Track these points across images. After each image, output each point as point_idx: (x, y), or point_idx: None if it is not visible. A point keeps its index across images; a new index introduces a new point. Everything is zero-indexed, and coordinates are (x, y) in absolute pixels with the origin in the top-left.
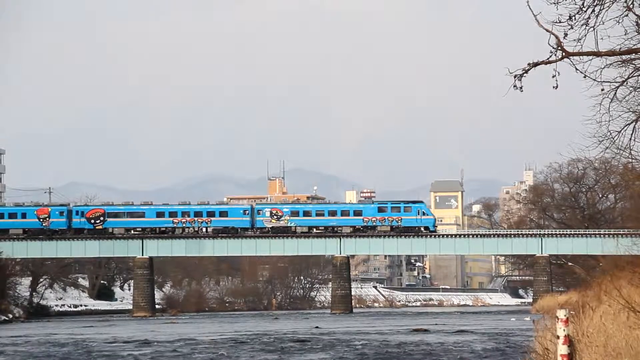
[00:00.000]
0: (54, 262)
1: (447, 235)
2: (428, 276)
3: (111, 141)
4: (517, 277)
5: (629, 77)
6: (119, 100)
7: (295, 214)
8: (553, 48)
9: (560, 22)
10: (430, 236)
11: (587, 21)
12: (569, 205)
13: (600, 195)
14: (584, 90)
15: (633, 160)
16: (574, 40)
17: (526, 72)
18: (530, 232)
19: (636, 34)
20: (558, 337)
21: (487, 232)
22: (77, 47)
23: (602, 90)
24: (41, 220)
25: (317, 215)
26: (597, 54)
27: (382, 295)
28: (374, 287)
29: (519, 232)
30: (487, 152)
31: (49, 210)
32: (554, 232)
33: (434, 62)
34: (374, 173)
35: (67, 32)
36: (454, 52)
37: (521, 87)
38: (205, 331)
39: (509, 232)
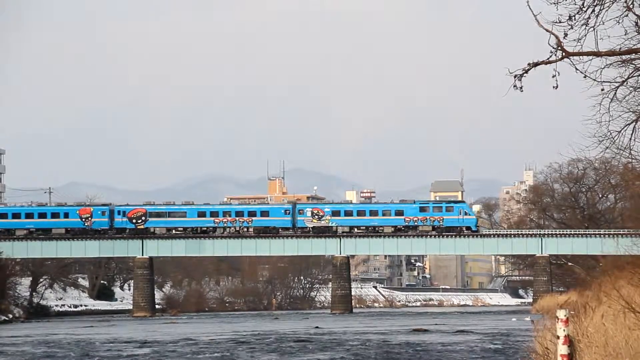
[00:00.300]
0: (54, 262)
1: (447, 235)
2: (428, 276)
3: (111, 141)
4: (517, 277)
5: (629, 77)
6: (119, 100)
7: (336, 213)
8: (553, 48)
9: (560, 22)
10: (430, 236)
11: (587, 21)
12: (569, 205)
13: (600, 195)
14: (584, 90)
15: (633, 160)
16: (574, 40)
17: (526, 72)
18: (530, 232)
19: (636, 34)
20: (558, 337)
21: (487, 232)
22: (77, 47)
23: (602, 90)
24: (83, 220)
25: (358, 215)
26: (597, 54)
27: (382, 295)
28: (374, 287)
29: (519, 232)
30: (487, 152)
31: (91, 210)
32: (554, 232)
33: (434, 62)
34: (374, 173)
35: (67, 32)
36: (454, 52)
37: (521, 87)
38: (205, 331)
39: (509, 232)
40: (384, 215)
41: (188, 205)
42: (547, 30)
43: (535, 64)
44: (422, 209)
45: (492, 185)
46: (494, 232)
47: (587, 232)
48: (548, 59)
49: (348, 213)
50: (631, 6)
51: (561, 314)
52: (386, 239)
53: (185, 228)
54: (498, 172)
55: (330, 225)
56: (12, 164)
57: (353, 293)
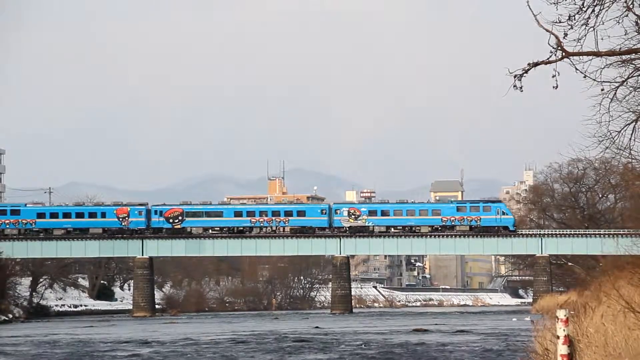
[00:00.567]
0: (54, 262)
1: (447, 235)
2: (428, 276)
3: (111, 141)
4: (517, 277)
5: (629, 77)
6: (119, 100)
7: (373, 213)
8: (553, 48)
9: (560, 22)
10: (430, 236)
11: (587, 21)
12: (569, 205)
13: (600, 195)
14: (584, 90)
15: (633, 160)
16: (574, 40)
17: (526, 72)
18: (530, 232)
19: (636, 34)
20: (558, 337)
21: (487, 232)
22: (77, 47)
23: (602, 90)
24: (120, 219)
25: (394, 214)
26: (597, 54)
27: (382, 295)
28: (374, 287)
29: (519, 232)
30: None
31: (128, 209)
32: (554, 232)
33: (434, 62)
34: (374, 173)
35: (67, 32)
36: (454, 52)
37: (521, 87)
38: (205, 331)
39: (509, 232)
40: (420, 215)
41: (225, 204)
42: (547, 30)
43: (535, 64)
44: (459, 209)
45: (492, 185)
46: (494, 232)
47: (587, 232)
48: (548, 59)
49: (385, 213)
50: (631, 6)
51: (561, 314)
52: (386, 238)
53: (222, 228)
54: (498, 172)
55: (366, 225)
56: (12, 164)
57: (353, 293)
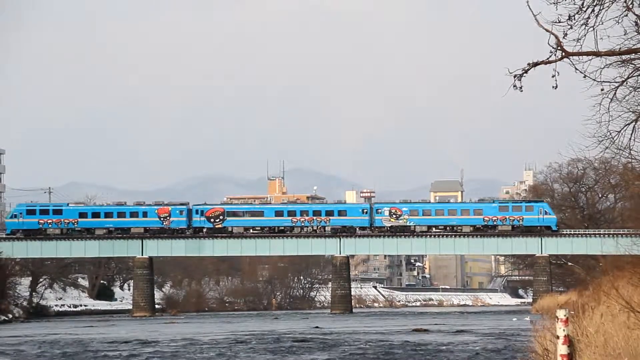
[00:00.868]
0: (54, 262)
1: (447, 235)
2: (428, 276)
3: (111, 141)
4: (517, 277)
5: (628, 77)
6: (119, 100)
7: (414, 213)
8: (553, 48)
9: (560, 22)
10: (430, 236)
11: (587, 21)
12: (569, 205)
13: (600, 195)
14: (583, 90)
15: (633, 160)
16: (574, 40)
17: (526, 72)
18: (530, 232)
19: (636, 34)
20: (558, 337)
21: (487, 232)
22: (77, 47)
23: (602, 90)
24: (162, 219)
25: (436, 214)
26: (597, 54)
27: (382, 295)
28: (373, 287)
29: (519, 232)
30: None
31: (170, 209)
32: (553, 232)
33: (434, 62)
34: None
35: (67, 32)
36: (454, 52)
37: (521, 87)
38: (205, 331)
39: (509, 232)
40: (462, 214)
41: (266, 204)
42: (546, 30)
43: (535, 64)
44: (501, 209)
45: (492, 185)
46: (494, 232)
47: (587, 232)
48: (548, 59)
49: (426, 212)
50: (631, 6)
51: (561, 314)
52: (386, 238)
53: (263, 227)
54: (498, 172)
55: (408, 224)
56: (12, 164)
57: (353, 293)
